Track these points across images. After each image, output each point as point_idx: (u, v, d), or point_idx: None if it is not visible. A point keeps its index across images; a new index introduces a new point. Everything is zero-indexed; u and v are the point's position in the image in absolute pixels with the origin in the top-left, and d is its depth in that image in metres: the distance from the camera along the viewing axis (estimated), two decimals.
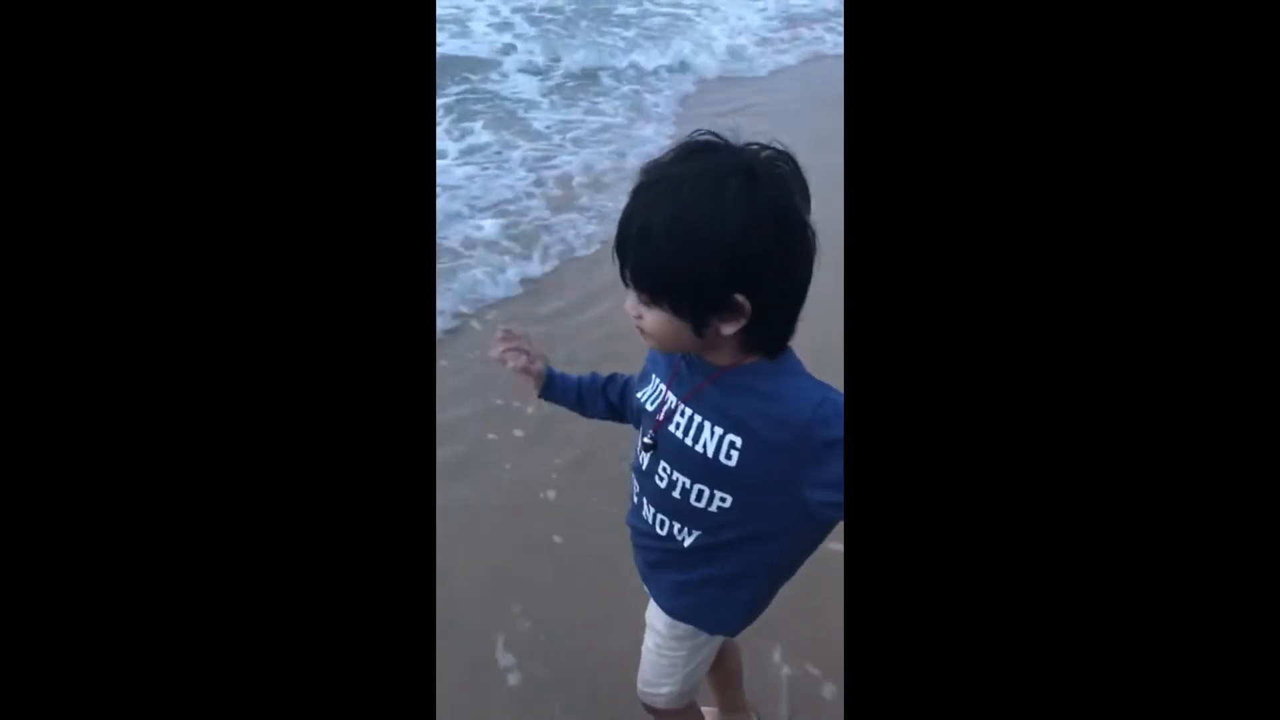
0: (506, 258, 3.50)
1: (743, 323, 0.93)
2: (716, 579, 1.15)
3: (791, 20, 6.66)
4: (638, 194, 0.94)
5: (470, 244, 3.61)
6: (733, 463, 1.00)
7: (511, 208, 3.88)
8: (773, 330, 0.97)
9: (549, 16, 6.43)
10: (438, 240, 3.54)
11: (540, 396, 1.34)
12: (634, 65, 5.65)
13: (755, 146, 0.93)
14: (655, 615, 1.28)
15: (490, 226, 3.72)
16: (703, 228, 0.88)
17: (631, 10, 6.68)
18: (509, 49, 5.79)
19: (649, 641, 1.33)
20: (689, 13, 6.68)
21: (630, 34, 6.19)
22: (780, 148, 0.94)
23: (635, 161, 4.10)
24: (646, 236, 0.91)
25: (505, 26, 6.20)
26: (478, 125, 4.69)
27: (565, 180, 4.13)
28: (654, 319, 0.97)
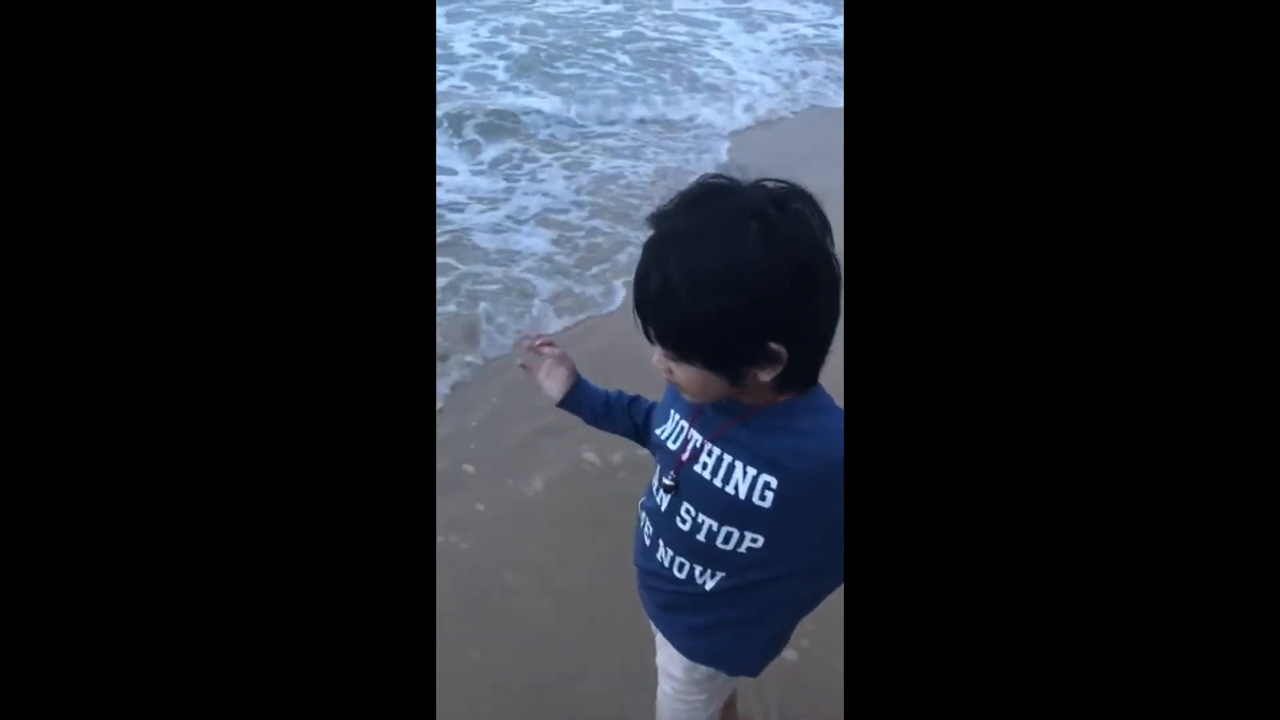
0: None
1: (780, 368, 0.91)
2: (738, 620, 1.12)
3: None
4: (651, 248, 0.90)
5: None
6: (767, 504, 0.96)
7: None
8: (808, 368, 0.95)
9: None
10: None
11: (560, 402, 1.27)
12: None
13: (768, 184, 0.90)
14: (670, 660, 1.22)
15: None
16: (726, 279, 0.85)
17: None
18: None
19: (665, 688, 1.27)
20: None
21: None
22: (791, 183, 0.91)
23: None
24: (667, 294, 0.88)
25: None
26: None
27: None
28: (685, 374, 0.95)
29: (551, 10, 7.17)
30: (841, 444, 0.87)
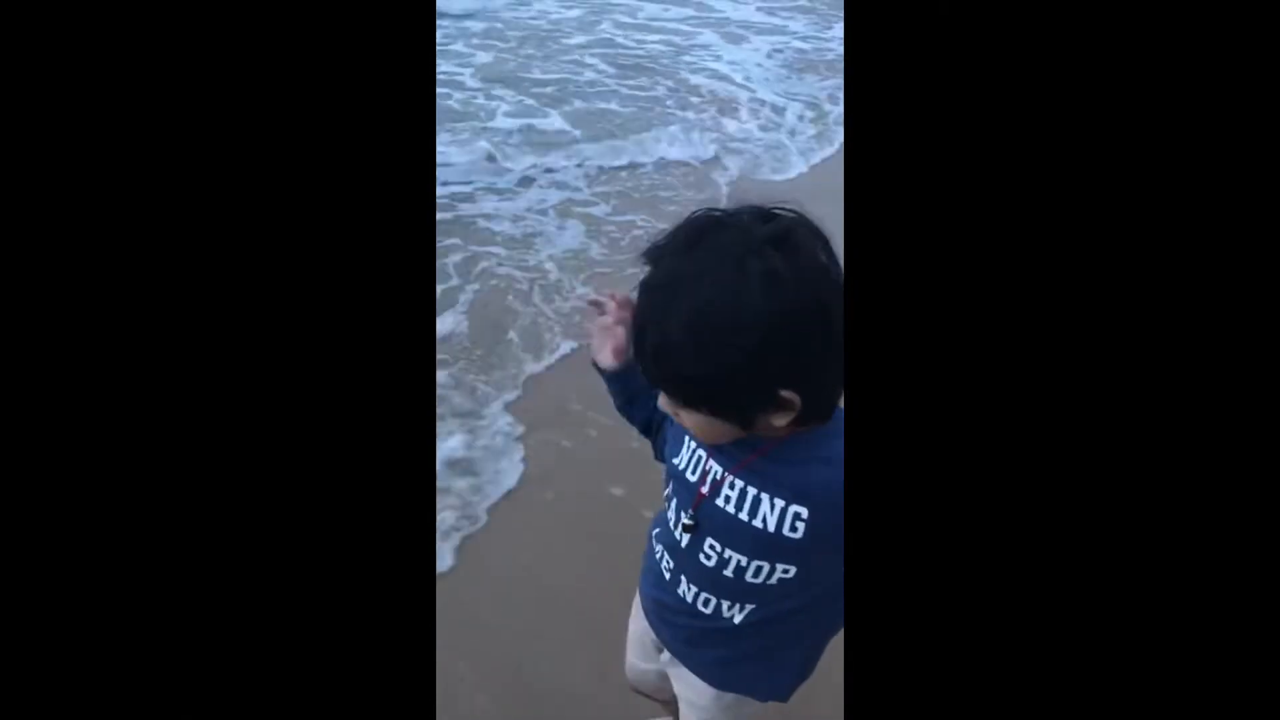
0: None
1: (795, 414, 0.86)
2: (769, 648, 1.08)
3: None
4: (648, 294, 0.85)
5: None
6: (799, 534, 0.92)
7: None
8: (827, 404, 0.90)
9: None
10: None
11: (603, 367, 1.14)
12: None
13: (766, 214, 0.84)
14: (695, 692, 1.18)
15: None
16: (728, 332, 0.80)
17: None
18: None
19: (691, 718, 1.23)
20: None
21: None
22: (789, 209, 0.85)
23: None
24: (666, 349, 0.83)
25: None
26: None
27: None
28: (693, 419, 0.90)
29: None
30: None
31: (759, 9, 7.60)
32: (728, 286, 0.79)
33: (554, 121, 5.03)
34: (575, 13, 7.07)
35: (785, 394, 0.83)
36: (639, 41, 6.57)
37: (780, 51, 6.63)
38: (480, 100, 5.25)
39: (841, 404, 0.90)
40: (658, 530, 1.12)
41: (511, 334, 3.12)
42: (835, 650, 0.97)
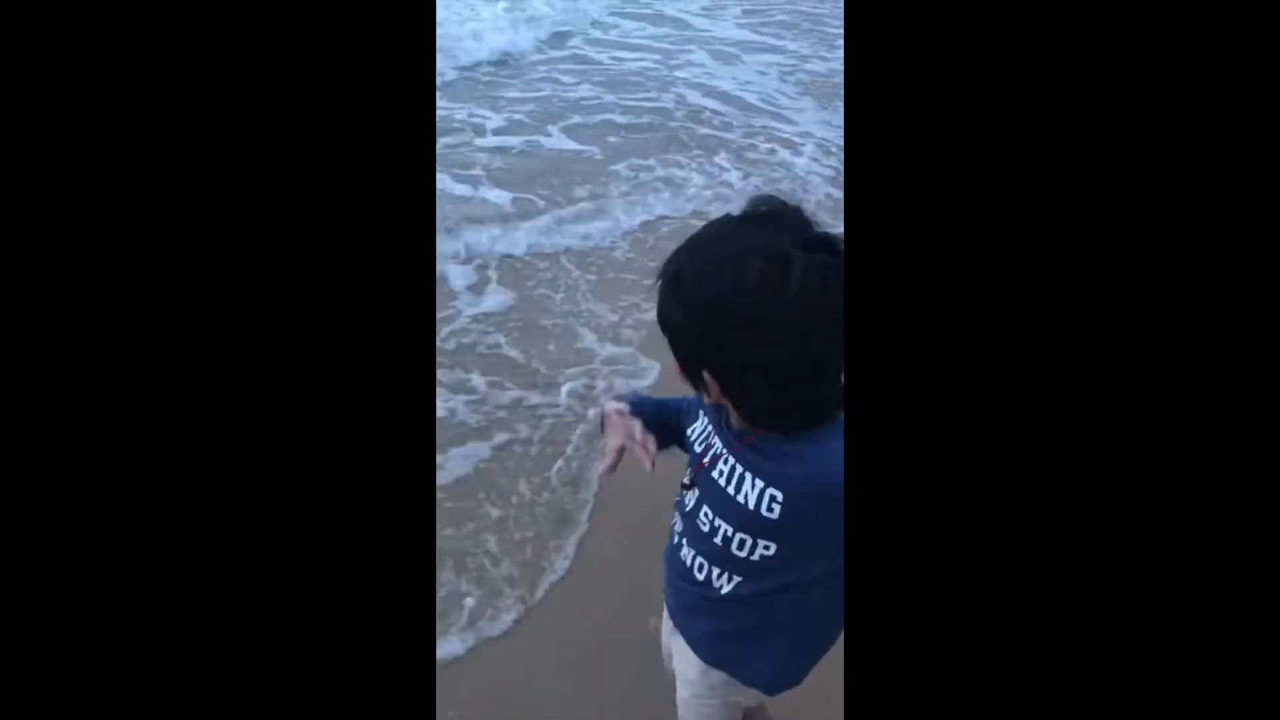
0: None
1: (714, 395, 0.95)
2: (753, 627, 1.12)
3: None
4: (691, 239, 0.94)
5: None
6: (774, 515, 0.97)
7: None
8: (775, 416, 0.96)
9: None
10: None
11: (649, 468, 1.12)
12: None
13: (807, 237, 0.88)
14: (686, 663, 1.23)
15: None
16: (696, 298, 0.89)
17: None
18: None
19: (683, 693, 1.28)
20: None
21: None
22: (835, 247, 0.87)
23: None
24: (664, 280, 0.93)
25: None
26: None
27: None
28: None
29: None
30: (834, 466, 0.85)
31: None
32: (723, 270, 0.86)
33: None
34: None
35: (706, 375, 0.93)
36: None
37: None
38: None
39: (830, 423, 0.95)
40: (677, 498, 1.16)
41: None
42: (832, 669, 0.96)
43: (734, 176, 4.57)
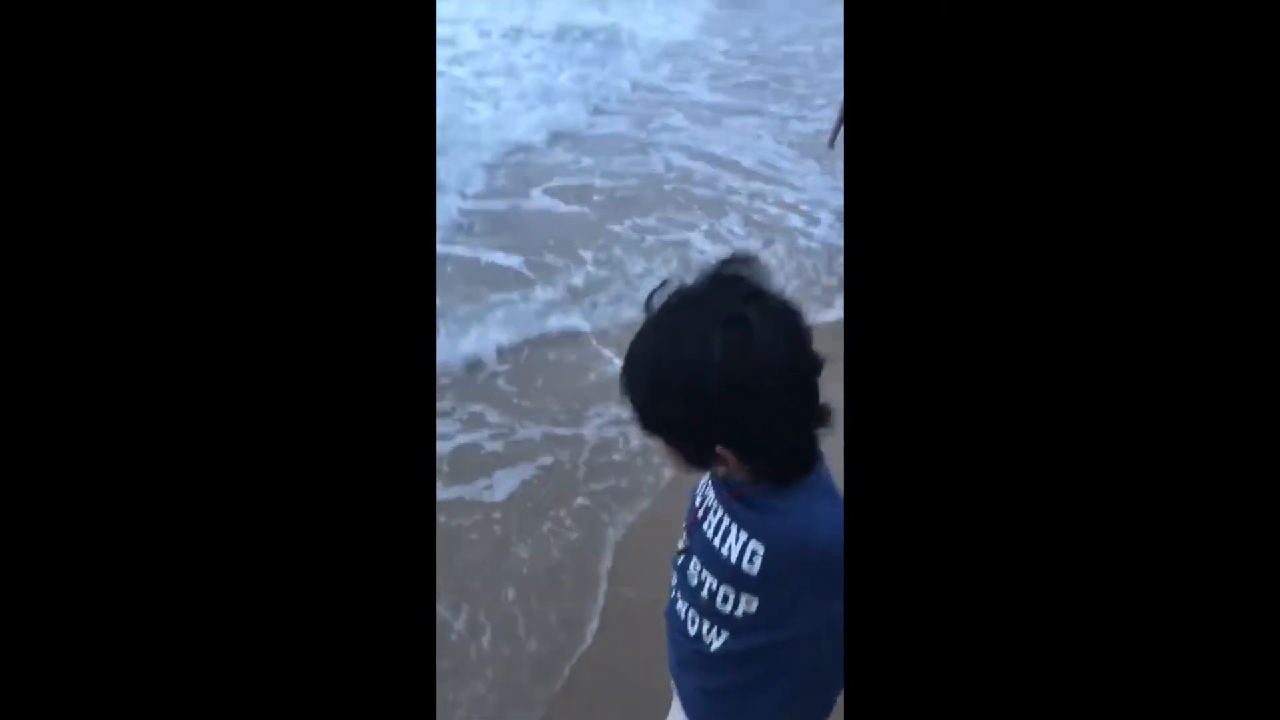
0: None
1: (732, 468, 0.93)
2: (740, 686, 1.08)
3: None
4: (639, 334, 0.93)
5: None
6: (755, 569, 0.95)
7: None
8: (779, 467, 0.94)
9: None
10: None
11: None
12: None
13: (747, 291, 0.88)
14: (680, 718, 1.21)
15: None
16: (679, 381, 0.87)
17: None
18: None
19: None
20: None
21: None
22: (791, 305, 0.89)
23: None
24: (633, 376, 0.92)
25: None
26: None
27: None
28: (657, 443, 0.97)
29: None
30: (822, 530, 0.90)
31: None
32: (692, 343, 0.85)
33: None
34: None
35: (721, 450, 0.90)
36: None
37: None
38: None
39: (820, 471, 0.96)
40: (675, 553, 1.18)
41: None
42: None
43: (754, 247, 4.18)
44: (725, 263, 0.92)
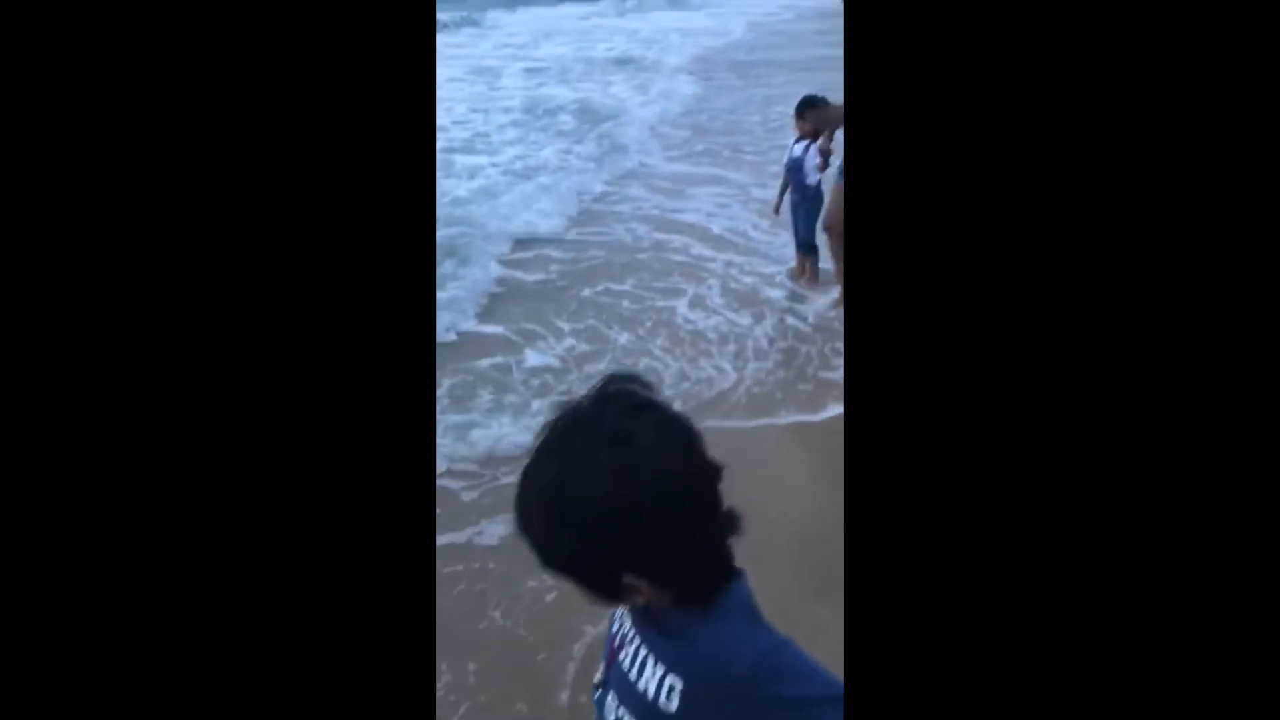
0: None
1: (647, 597, 0.87)
2: None
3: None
4: (536, 451, 0.87)
5: None
6: (673, 706, 0.89)
7: None
8: (693, 591, 0.88)
9: None
10: None
11: None
12: None
13: (632, 405, 0.85)
14: None
15: None
16: (572, 511, 0.82)
17: None
18: None
19: None
20: None
21: None
22: (681, 415, 0.87)
23: None
24: (525, 512, 0.86)
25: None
26: None
27: None
28: (564, 582, 0.91)
29: None
30: (742, 658, 0.85)
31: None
32: (579, 477, 0.81)
33: None
34: None
35: (630, 580, 0.84)
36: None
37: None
38: None
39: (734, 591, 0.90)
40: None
41: None
42: None
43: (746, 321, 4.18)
44: (610, 379, 0.89)
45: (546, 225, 5.53)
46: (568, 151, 7.61)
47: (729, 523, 0.87)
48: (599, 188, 6.50)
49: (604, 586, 0.87)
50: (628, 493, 0.80)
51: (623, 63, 13.41)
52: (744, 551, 0.89)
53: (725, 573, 0.89)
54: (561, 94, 10.66)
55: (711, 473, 0.85)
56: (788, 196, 4.46)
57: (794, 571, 2.29)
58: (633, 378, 0.89)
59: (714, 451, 0.85)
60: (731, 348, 3.78)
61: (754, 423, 3.21)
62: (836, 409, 3.12)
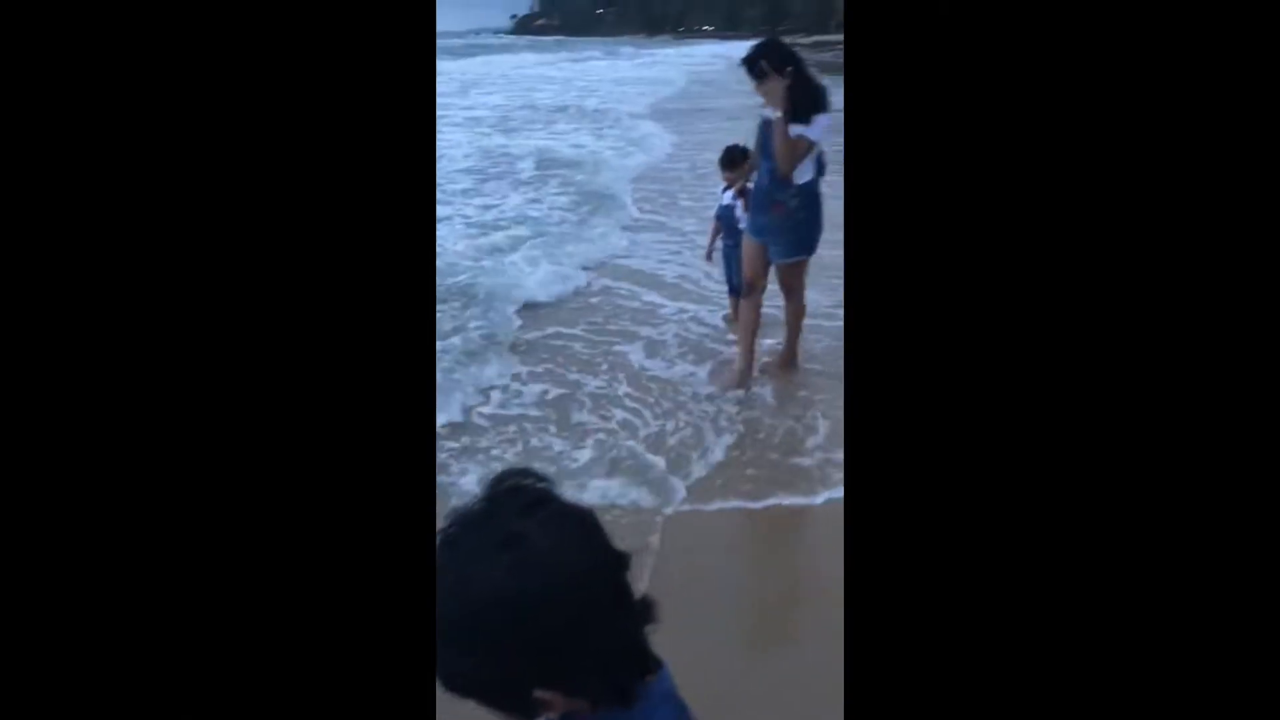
0: None
1: (561, 709, 0.82)
2: None
3: None
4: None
5: None
6: None
7: None
8: (611, 694, 0.83)
9: None
10: None
11: None
12: None
13: (524, 505, 0.79)
14: None
15: None
16: (468, 627, 0.75)
17: None
18: None
19: None
20: None
21: None
22: (580, 507, 0.81)
23: None
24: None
25: None
26: None
27: None
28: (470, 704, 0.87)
29: None
30: None
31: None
32: (472, 589, 0.75)
33: None
34: None
35: (542, 695, 0.79)
36: None
37: None
38: None
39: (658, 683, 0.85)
40: None
41: None
42: None
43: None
44: (500, 478, 0.83)
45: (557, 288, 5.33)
46: (539, 201, 7.64)
47: (643, 613, 0.82)
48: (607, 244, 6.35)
49: (513, 705, 0.81)
50: (525, 599, 0.75)
51: (563, 109, 13.59)
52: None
53: (645, 666, 0.84)
54: (514, 143, 10.73)
55: (617, 564, 0.80)
56: (719, 242, 4.56)
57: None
58: (526, 472, 0.83)
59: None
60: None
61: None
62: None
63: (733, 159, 4.31)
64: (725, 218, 4.41)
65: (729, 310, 4.64)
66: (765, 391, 3.84)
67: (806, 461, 3.21)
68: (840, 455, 3.07)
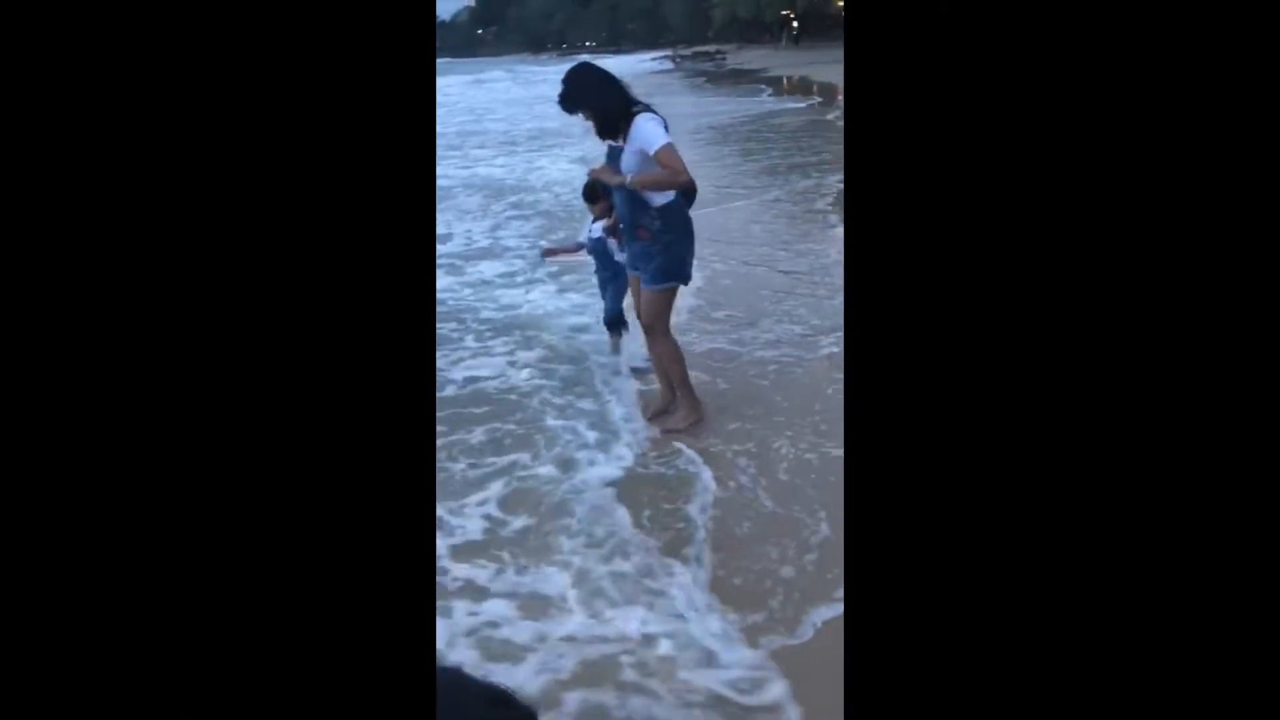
0: None
1: None
2: None
3: None
4: None
5: None
6: None
7: None
8: None
9: None
10: None
11: None
12: None
13: (495, 692, 0.81)
14: None
15: None
16: None
17: None
18: None
19: None
20: None
21: None
22: (512, 696, 0.82)
23: None
24: None
25: None
26: None
27: None
28: None
29: None
30: None
31: None
32: None
33: None
34: None
35: None
36: None
37: None
38: None
39: None
40: None
41: None
42: None
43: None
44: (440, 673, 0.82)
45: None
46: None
47: None
48: None
49: None
50: None
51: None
52: None
53: None
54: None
55: None
56: (593, 274, 4.43)
57: None
58: (455, 671, 0.84)
59: None
60: None
61: None
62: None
63: (594, 192, 4.13)
64: (597, 251, 4.23)
65: (609, 340, 4.41)
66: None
67: None
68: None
